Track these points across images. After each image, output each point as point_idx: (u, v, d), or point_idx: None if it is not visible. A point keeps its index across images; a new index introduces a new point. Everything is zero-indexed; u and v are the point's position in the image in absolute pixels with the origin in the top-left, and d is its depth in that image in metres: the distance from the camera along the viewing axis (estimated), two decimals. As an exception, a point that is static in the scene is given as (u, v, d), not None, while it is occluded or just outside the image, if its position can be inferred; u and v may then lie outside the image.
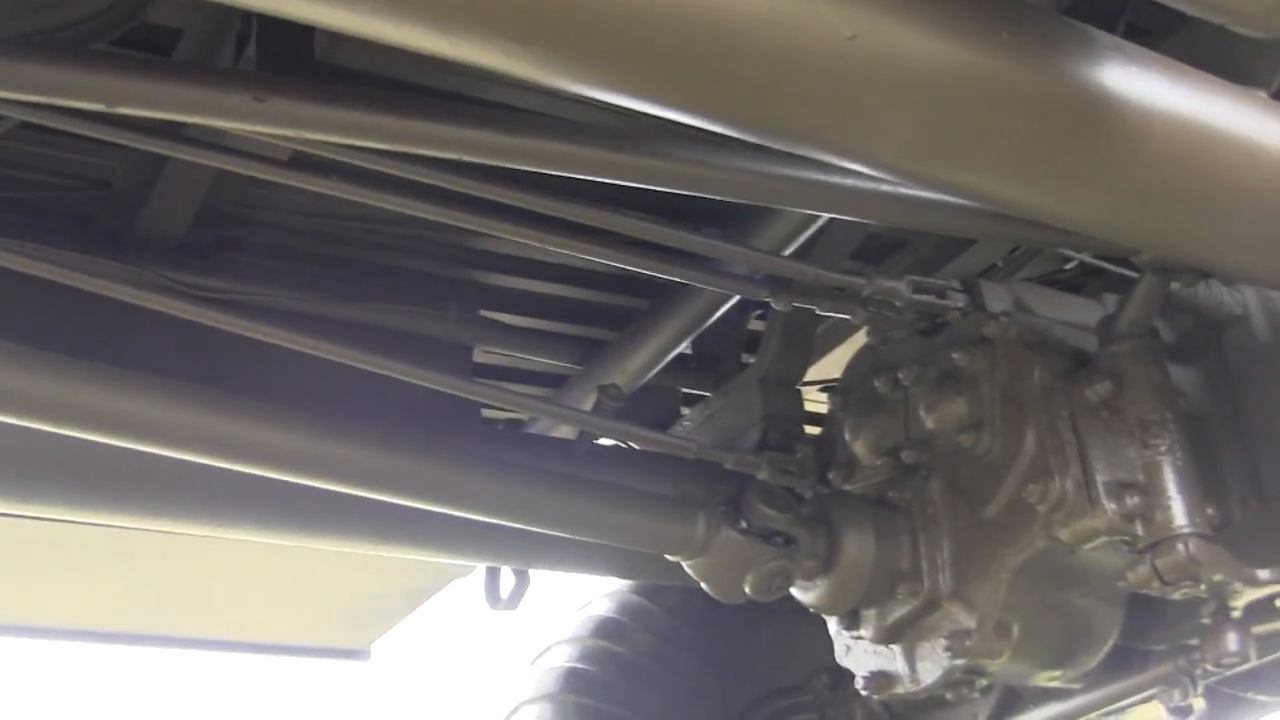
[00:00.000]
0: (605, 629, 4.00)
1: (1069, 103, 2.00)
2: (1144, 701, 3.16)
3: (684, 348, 3.65)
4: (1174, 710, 3.79)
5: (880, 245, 3.63)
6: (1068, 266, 3.70)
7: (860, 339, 3.65)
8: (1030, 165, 2.07)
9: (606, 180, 2.35)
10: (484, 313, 3.55)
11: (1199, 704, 3.77)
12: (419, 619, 4.31)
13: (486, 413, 3.77)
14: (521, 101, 2.77)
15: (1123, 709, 3.23)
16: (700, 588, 3.95)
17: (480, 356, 3.66)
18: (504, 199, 2.43)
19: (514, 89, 2.72)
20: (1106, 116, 2.03)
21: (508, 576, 3.62)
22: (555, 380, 3.86)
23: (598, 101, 1.85)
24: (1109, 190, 2.16)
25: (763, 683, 4.12)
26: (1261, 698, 3.43)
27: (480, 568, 4.00)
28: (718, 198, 2.44)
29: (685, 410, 3.96)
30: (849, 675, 3.88)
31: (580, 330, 3.73)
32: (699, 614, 4.09)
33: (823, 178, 2.42)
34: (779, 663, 4.15)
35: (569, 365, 3.72)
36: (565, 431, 3.70)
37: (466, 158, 2.24)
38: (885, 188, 2.47)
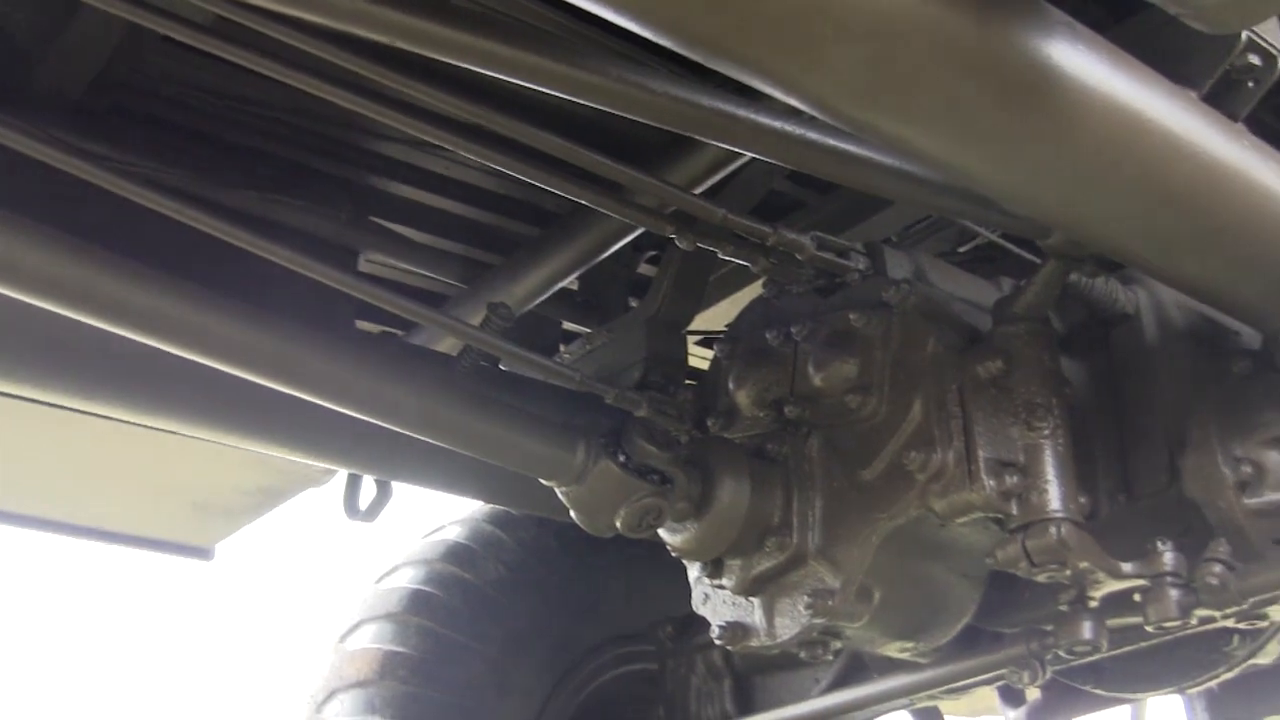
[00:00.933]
0: (455, 554, 3.96)
1: (1014, 69, 1.99)
2: (990, 682, 3.19)
3: (570, 282, 3.61)
4: (1007, 697, 3.86)
5: (780, 205, 3.62)
6: (962, 249, 3.71)
7: (744, 296, 3.67)
8: (966, 125, 2.06)
9: (526, 85, 2.29)
10: (375, 220, 3.48)
11: (1033, 693, 3.85)
12: (268, 524, 4.23)
13: (363, 326, 3.71)
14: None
15: (965, 688, 3.26)
16: (555, 525, 3.95)
17: (364, 267, 3.58)
18: (418, 94, 2.37)
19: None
20: (1047, 89, 2.02)
21: (369, 487, 3.57)
22: (437, 302, 3.79)
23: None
24: (1038, 163, 2.15)
25: (606, 627, 4.12)
26: (1099, 691, 3.47)
27: (335, 478, 3.95)
28: (638, 119, 2.39)
29: (562, 347, 3.93)
30: (693, 627, 3.92)
31: (469, 251, 3.67)
32: (550, 552, 4.07)
33: (751, 115, 2.39)
34: (624, 609, 4.15)
35: (454, 283, 3.66)
36: (446, 349, 3.63)
37: (389, 40, 2.16)
38: (812, 135, 2.45)
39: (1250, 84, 2.44)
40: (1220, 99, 2.39)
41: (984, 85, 1.99)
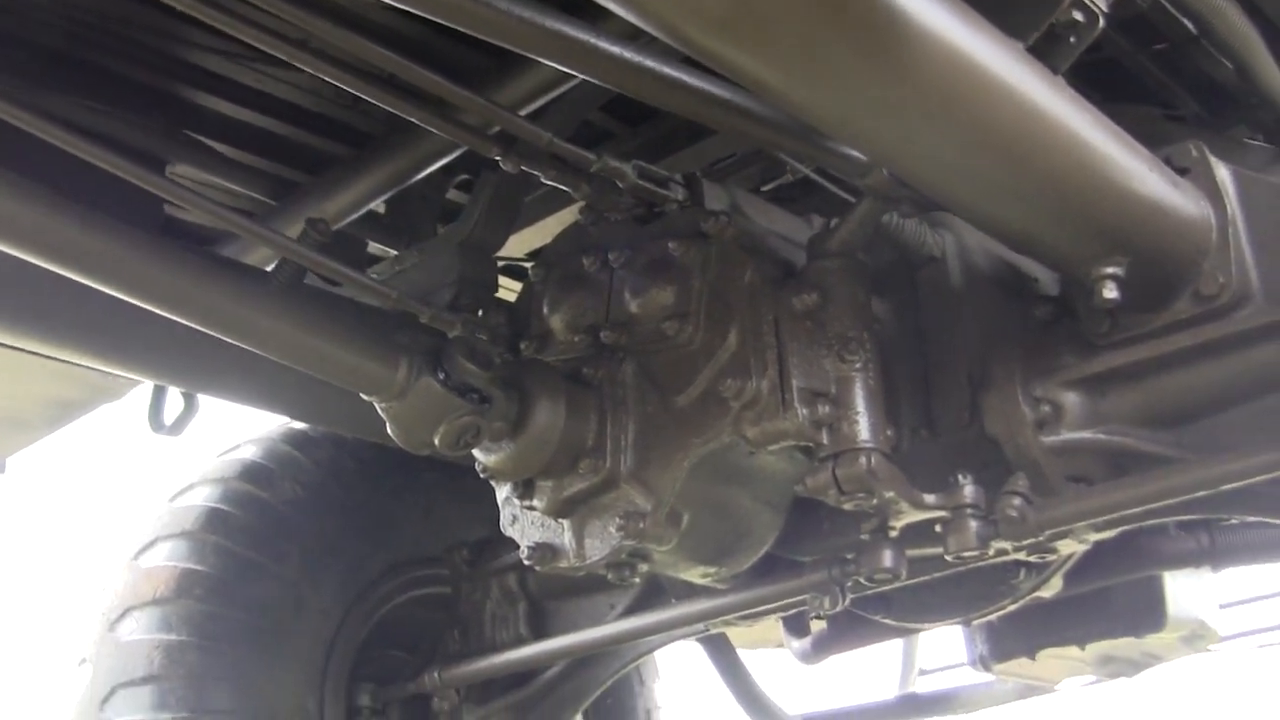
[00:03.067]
0: (252, 473, 3.91)
1: (867, 10, 2.02)
2: (790, 608, 3.27)
3: (377, 205, 3.59)
4: (792, 627, 3.95)
5: (591, 134, 3.63)
6: (767, 187, 3.77)
7: (551, 224, 3.68)
8: (815, 61, 2.09)
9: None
10: (187, 133, 3.41)
11: (817, 626, 3.95)
12: (63, 438, 4.13)
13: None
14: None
15: (764, 613, 3.33)
16: (352, 446, 3.93)
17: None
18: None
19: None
20: (894, 31, 2.06)
21: (175, 401, 3.52)
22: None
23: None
24: (877, 102, 2.19)
25: (402, 550, 4.11)
26: (888, 621, 3.58)
27: (133, 392, 3.88)
28: (471, 34, 2.38)
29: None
30: (488, 552, 3.95)
31: (280, 169, 3.62)
32: (347, 473, 4.05)
33: (588, 37, 2.41)
34: (420, 533, 4.15)
35: (264, 200, 3.60)
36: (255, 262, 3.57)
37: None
38: (648, 61, 2.48)
39: (1072, 39, 2.51)
40: (1044, 51, 2.46)
41: (837, 24, 2.02)
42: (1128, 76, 3.57)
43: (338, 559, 3.92)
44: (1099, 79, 3.34)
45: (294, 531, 3.85)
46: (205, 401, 3.63)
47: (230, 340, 2.76)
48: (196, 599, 3.65)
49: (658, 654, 4.45)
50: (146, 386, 3.70)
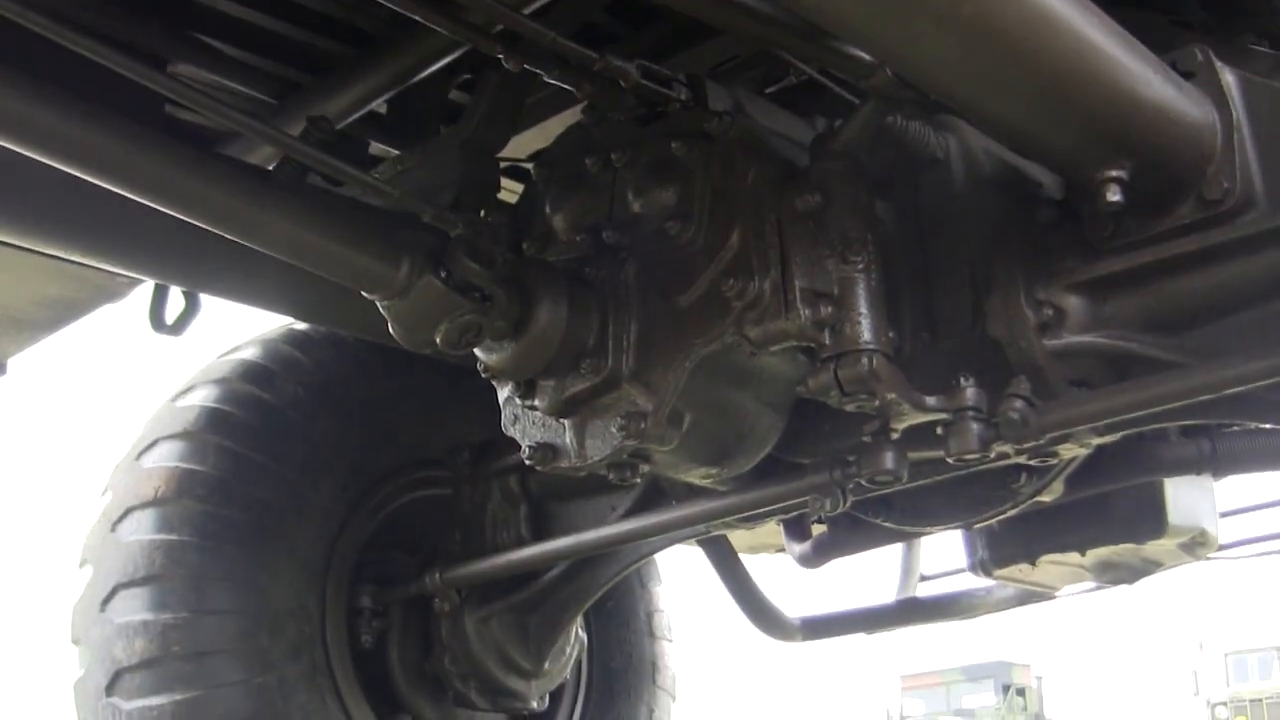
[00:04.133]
0: (253, 374, 3.90)
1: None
2: (791, 510, 3.28)
3: (379, 105, 3.57)
4: (792, 531, 3.97)
5: (594, 35, 3.60)
6: (770, 90, 3.74)
7: (551, 126, 3.66)
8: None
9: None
10: (187, 32, 3.38)
11: (817, 530, 3.96)
12: (64, 339, 4.12)
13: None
14: None
15: (766, 515, 3.35)
16: (353, 347, 3.93)
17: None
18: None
19: None
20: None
21: (176, 299, 3.51)
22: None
23: None
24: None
25: (404, 452, 4.12)
26: (889, 525, 3.60)
27: (134, 293, 3.87)
28: None
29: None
30: (489, 453, 3.96)
31: (281, 68, 3.59)
32: (348, 374, 4.04)
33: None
34: (421, 434, 4.16)
35: (266, 99, 3.58)
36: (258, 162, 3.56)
37: None
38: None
39: None
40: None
41: None
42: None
43: (339, 460, 3.92)
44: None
45: (295, 432, 3.85)
46: (207, 302, 3.62)
47: (232, 238, 2.76)
48: (197, 499, 3.66)
49: (659, 557, 4.48)
50: (148, 286, 3.68)
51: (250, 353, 4.01)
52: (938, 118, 3.08)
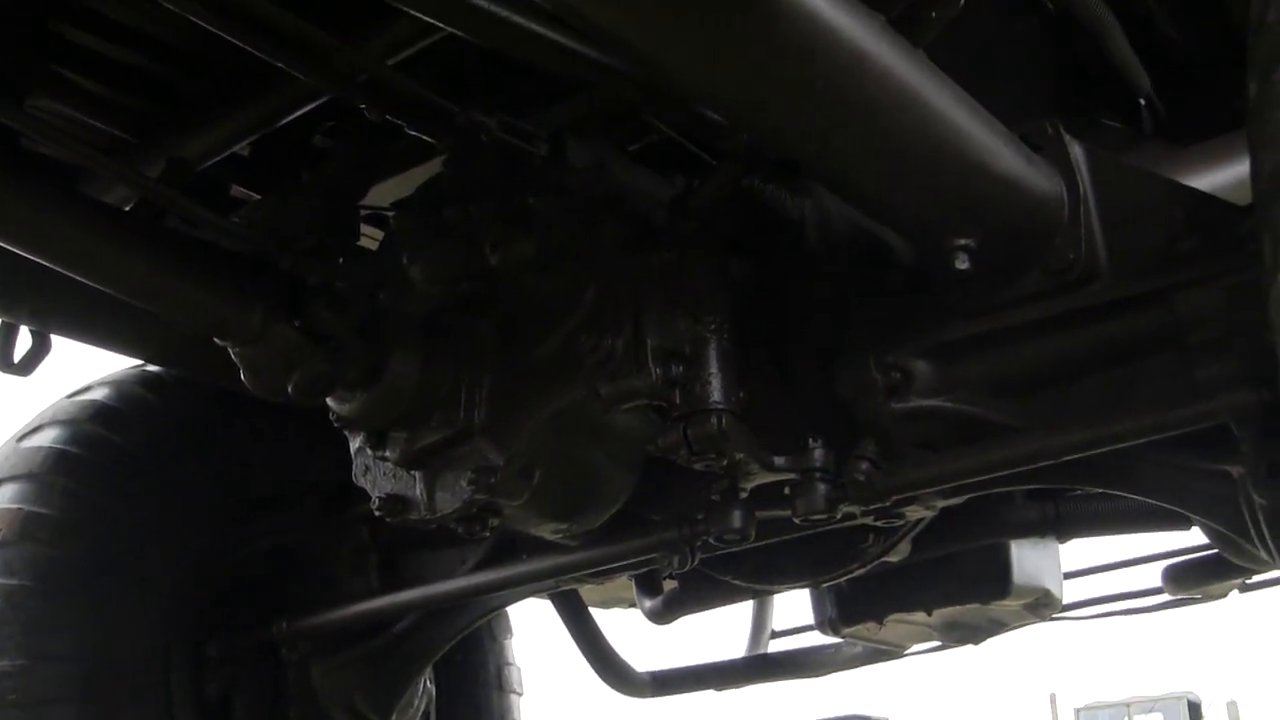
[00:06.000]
0: (102, 415, 3.85)
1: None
2: (640, 566, 3.29)
3: (243, 148, 3.54)
4: (644, 586, 3.98)
5: (458, 86, 3.60)
6: (633, 146, 3.77)
7: (416, 174, 3.66)
8: (682, 21, 2.10)
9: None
10: (49, 65, 3.34)
11: (669, 585, 3.98)
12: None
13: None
14: None
15: (614, 571, 3.36)
16: (205, 391, 3.89)
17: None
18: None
19: None
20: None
21: (24, 338, 3.45)
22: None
23: None
24: (741, 67, 2.20)
25: (254, 498, 4.08)
26: (737, 582, 3.62)
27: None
28: None
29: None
30: (340, 501, 3.93)
31: (143, 106, 3.55)
32: (200, 417, 4.00)
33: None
34: (272, 479, 4.11)
35: (125, 137, 3.54)
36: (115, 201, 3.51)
37: None
38: (516, 16, 2.48)
39: (933, 14, 2.55)
40: (906, 25, 2.49)
41: None
42: (991, 52, 3.62)
43: (188, 504, 3.87)
44: (963, 53, 3.38)
45: (143, 475, 3.80)
46: (58, 341, 3.57)
47: (84, 279, 2.73)
48: (40, 542, 3.59)
49: (510, 610, 4.47)
50: (-5, 324, 3.62)
51: (100, 394, 3.95)
52: (794, 180, 3.11)
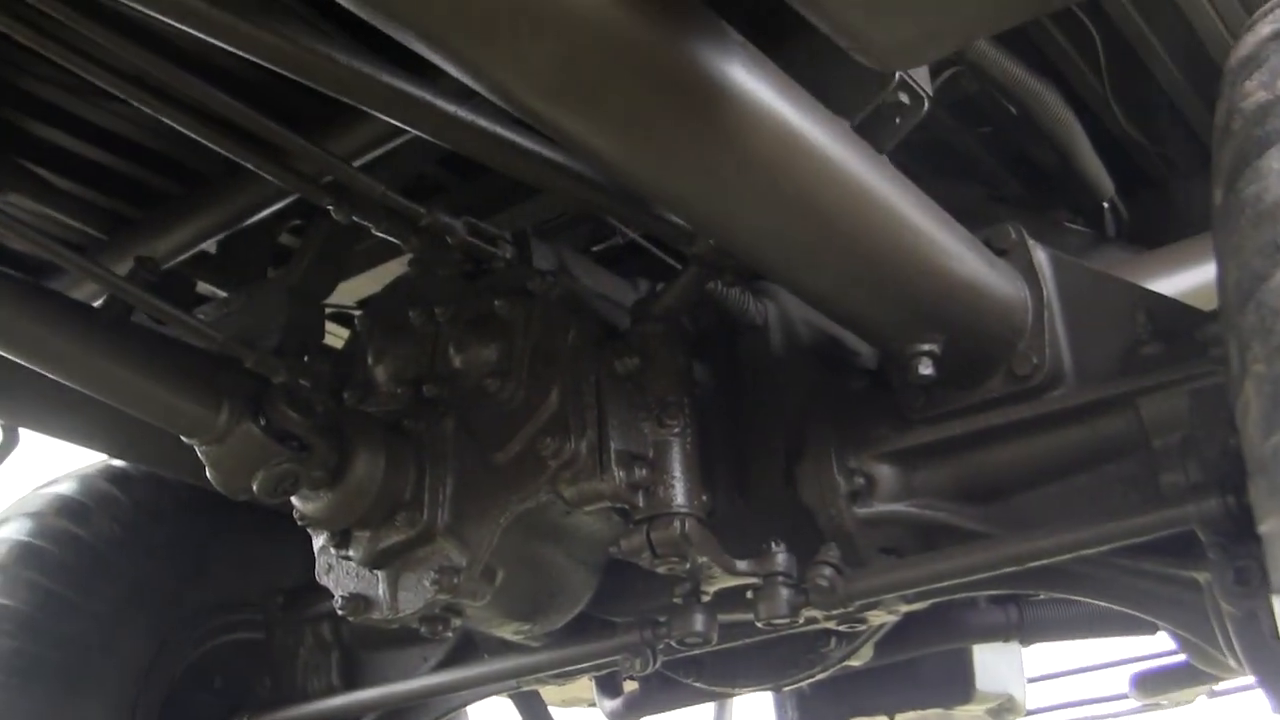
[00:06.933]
0: (68, 509, 3.85)
1: (693, 83, 2.06)
2: (602, 668, 3.28)
3: (210, 245, 3.55)
4: (605, 687, 3.97)
5: (424, 187, 3.63)
6: (596, 248, 3.79)
7: (382, 273, 3.67)
8: (642, 130, 2.12)
9: (197, 36, 2.26)
10: (17, 160, 3.36)
11: (630, 686, 3.96)
12: None
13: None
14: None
15: (576, 672, 3.34)
16: (172, 487, 3.88)
17: (-1, 208, 3.44)
18: (84, 32, 2.33)
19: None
20: (720, 105, 2.10)
21: (-8, 432, 3.45)
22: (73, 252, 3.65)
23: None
24: (702, 174, 2.23)
25: (217, 593, 4.06)
26: (698, 685, 3.61)
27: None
28: (308, 84, 2.39)
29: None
30: (303, 599, 3.91)
31: (112, 203, 3.57)
32: (166, 513, 3.99)
33: (423, 94, 2.43)
34: (236, 576, 4.10)
35: (94, 234, 3.55)
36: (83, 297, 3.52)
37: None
38: (481, 121, 2.51)
39: (897, 120, 2.58)
40: (869, 131, 2.51)
41: (663, 95, 2.06)
42: (955, 155, 3.66)
43: (152, 599, 3.86)
44: (927, 156, 3.42)
45: (108, 570, 3.79)
46: (26, 434, 3.56)
47: (52, 376, 2.73)
48: (5, 635, 3.57)
49: (470, 709, 4.44)
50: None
51: (66, 487, 3.95)
52: (757, 284, 3.13)
